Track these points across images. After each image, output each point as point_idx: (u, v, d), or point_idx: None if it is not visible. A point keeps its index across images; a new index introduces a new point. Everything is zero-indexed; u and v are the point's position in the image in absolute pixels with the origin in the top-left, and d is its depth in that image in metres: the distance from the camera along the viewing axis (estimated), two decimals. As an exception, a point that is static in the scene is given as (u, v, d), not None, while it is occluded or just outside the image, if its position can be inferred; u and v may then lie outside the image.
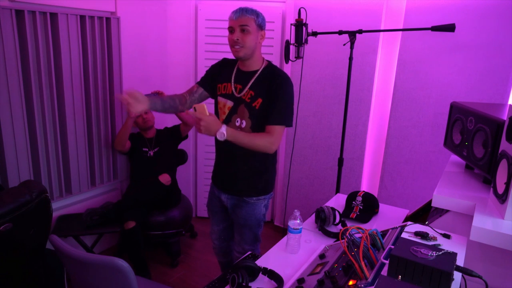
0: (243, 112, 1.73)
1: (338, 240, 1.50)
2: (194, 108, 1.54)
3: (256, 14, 1.67)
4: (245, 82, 1.75)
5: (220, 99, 1.83)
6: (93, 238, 2.71)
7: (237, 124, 1.75)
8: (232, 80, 1.79)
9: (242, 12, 1.64)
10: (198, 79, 1.95)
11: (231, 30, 1.68)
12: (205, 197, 3.40)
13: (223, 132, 1.54)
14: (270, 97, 1.68)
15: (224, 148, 1.83)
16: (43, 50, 2.26)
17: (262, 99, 1.69)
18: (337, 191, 2.51)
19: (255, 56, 1.73)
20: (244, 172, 1.82)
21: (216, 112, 1.87)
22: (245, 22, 1.64)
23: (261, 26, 1.70)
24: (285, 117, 1.71)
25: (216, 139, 1.68)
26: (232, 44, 1.67)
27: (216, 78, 1.86)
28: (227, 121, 1.78)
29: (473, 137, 1.47)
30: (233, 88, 1.77)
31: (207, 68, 1.94)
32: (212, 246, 2.17)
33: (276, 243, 1.56)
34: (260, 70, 1.75)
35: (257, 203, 1.85)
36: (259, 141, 1.65)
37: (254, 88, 1.72)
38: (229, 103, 1.78)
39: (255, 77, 1.73)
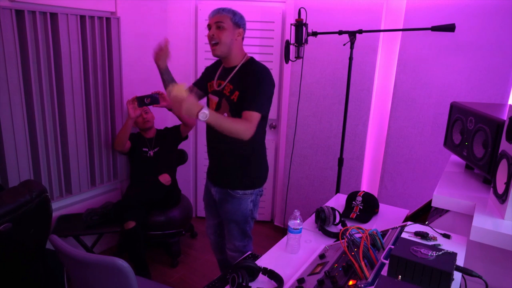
0: (225, 105, 1.81)
1: (338, 240, 1.50)
2: (170, 90, 1.48)
3: (232, 13, 1.76)
4: (225, 77, 1.82)
5: (210, 96, 1.93)
6: (93, 238, 2.71)
7: None
8: (216, 76, 1.88)
9: (219, 11, 1.75)
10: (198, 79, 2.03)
11: (208, 27, 1.77)
12: (202, 197, 3.40)
13: (206, 112, 1.49)
14: (246, 86, 1.72)
15: (212, 141, 1.92)
16: (43, 50, 2.26)
17: (239, 92, 1.74)
18: (337, 191, 2.51)
19: (234, 53, 1.79)
20: (230, 164, 1.87)
21: None
22: (220, 19, 1.73)
23: (238, 24, 1.77)
24: (261, 105, 1.70)
25: (208, 132, 1.80)
26: (209, 40, 1.76)
27: (207, 77, 1.96)
28: None
29: (473, 137, 1.47)
30: (215, 84, 1.87)
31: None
32: (209, 242, 2.21)
33: (276, 243, 1.56)
34: (239, 65, 1.81)
35: (244, 198, 1.87)
36: (238, 126, 1.64)
37: (232, 82, 1.79)
38: (215, 99, 1.86)
39: (234, 71, 1.80)
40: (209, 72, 1.97)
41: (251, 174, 1.88)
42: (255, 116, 1.68)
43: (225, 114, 1.80)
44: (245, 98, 1.71)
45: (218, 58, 1.89)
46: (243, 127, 1.65)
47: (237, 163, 1.86)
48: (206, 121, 1.53)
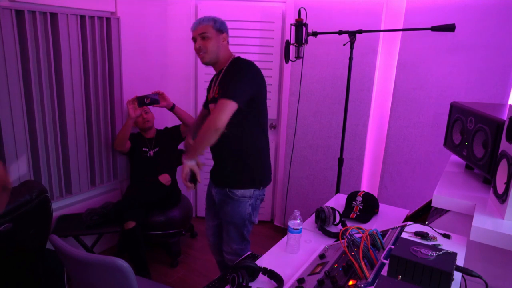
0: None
1: (338, 240, 1.50)
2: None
3: (213, 20, 1.80)
4: (216, 82, 1.86)
5: (210, 105, 1.94)
6: (93, 238, 2.71)
7: None
8: (213, 85, 1.91)
9: (199, 22, 1.79)
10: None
11: (194, 40, 1.82)
12: (205, 197, 3.40)
13: (186, 163, 1.69)
14: (228, 83, 1.74)
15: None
16: (43, 50, 2.26)
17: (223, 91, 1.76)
18: (337, 191, 2.51)
19: (221, 57, 1.84)
20: (230, 164, 1.87)
21: None
22: (203, 30, 1.78)
23: (220, 30, 1.81)
24: (233, 93, 1.66)
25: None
26: (197, 52, 1.81)
27: (208, 90, 1.99)
28: None
29: (473, 137, 1.47)
30: (215, 91, 1.88)
31: (207, 69, 2.07)
32: (208, 243, 2.21)
33: (276, 243, 1.56)
34: (225, 67, 1.84)
35: (242, 201, 1.87)
36: (206, 132, 1.66)
37: (220, 84, 1.81)
38: (212, 107, 1.89)
39: (221, 75, 1.83)
40: (210, 85, 2.00)
41: (249, 173, 1.88)
42: (224, 103, 1.64)
43: None
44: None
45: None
46: (209, 123, 1.65)
47: (235, 163, 1.86)
48: (196, 156, 1.71)
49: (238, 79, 1.71)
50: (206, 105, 2.07)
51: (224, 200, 1.90)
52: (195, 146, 1.70)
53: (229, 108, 1.64)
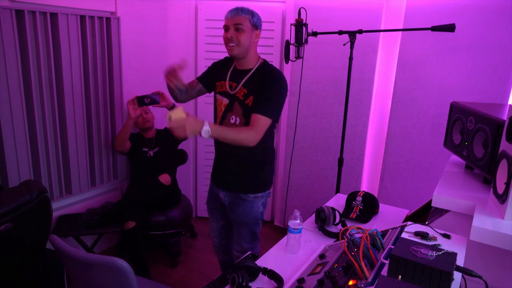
0: (237, 109, 1.76)
1: (338, 240, 1.50)
2: (170, 116, 1.49)
3: (251, 13, 1.69)
4: (239, 79, 1.77)
5: (218, 96, 1.87)
6: (93, 238, 2.71)
7: (232, 121, 1.78)
8: (227, 78, 1.82)
9: (238, 11, 1.67)
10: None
11: (226, 28, 1.71)
12: (205, 197, 3.39)
13: (207, 128, 1.49)
14: (261, 91, 1.69)
15: (221, 145, 1.85)
16: (43, 50, 2.26)
17: (254, 97, 1.71)
18: (337, 191, 2.51)
19: (250, 55, 1.75)
20: (241, 169, 1.84)
21: (215, 110, 1.90)
22: (239, 21, 1.67)
23: (256, 26, 1.72)
24: (272, 110, 1.68)
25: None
26: (227, 42, 1.70)
27: (215, 76, 1.89)
28: (223, 119, 1.82)
29: (473, 137, 1.47)
30: (227, 86, 1.80)
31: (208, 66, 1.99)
32: (212, 244, 2.18)
33: (276, 243, 1.56)
34: (254, 68, 1.77)
35: (255, 201, 1.86)
36: (243, 135, 1.63)
37: (247, 85, 1.74)
38: (225, 101, 1.81)
39: (248, 75, 1.76)
40: (218, 70, 1.89)
41: (262, 178, 1.87)
42: (264, 121, 1.65)
43: (237, 118, 1.75)
44: (259, 101, 1.68)
45: (229, 57, 1.84)
46: (248, 135, 1.63)
47: (249, 168, 1.83)
48: (209, 137, 1.51)
49: (275, 96, 1.68)
50: (201, 79, 1.96)
51: (235, 202, 1.87)
52: (220, 132, 1.58)
53: (265, 125, 1.66)
